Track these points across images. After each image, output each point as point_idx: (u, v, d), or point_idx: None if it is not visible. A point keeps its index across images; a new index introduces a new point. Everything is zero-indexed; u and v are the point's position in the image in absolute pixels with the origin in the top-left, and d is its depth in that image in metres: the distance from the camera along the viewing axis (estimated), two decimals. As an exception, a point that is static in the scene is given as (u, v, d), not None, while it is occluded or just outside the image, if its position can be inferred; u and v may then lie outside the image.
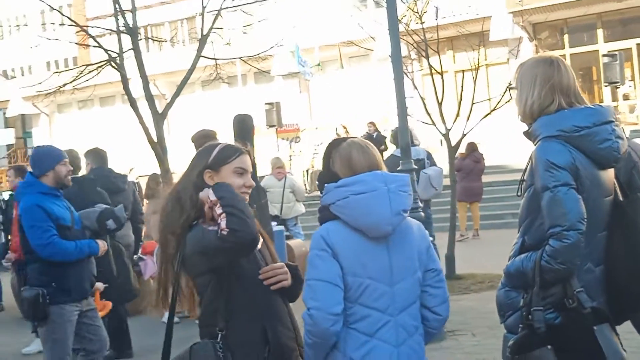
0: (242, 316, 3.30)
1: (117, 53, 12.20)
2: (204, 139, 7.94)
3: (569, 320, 3.31)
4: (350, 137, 3.58)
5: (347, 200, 3.29)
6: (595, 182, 3.39)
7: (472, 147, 16.70)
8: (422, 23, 12.44)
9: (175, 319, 3.59)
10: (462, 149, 15.13)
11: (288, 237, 12.30)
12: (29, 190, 6.06)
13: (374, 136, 20.18)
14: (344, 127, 21.97)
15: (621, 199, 3.55)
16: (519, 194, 3.55)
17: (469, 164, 16.58)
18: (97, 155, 9.11)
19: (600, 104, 3.57)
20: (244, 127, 7.85)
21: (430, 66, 12.18)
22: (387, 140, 18.37)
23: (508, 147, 17.61)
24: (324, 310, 3.23)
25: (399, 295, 3.34)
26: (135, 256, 10.98)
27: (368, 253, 3.31)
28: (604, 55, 21.79)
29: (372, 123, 21.15)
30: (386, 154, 14.54)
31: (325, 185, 3.38)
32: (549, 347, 3.25)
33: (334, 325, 3.24)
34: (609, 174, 3.48)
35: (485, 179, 17.54)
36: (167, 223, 3.40)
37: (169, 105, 12.40)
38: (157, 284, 3.48)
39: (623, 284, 3.44)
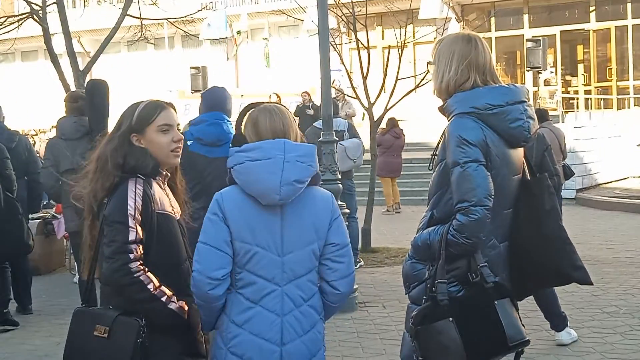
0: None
1: (39, 6, 11.90)
2: (72, 101, 7.76)
3: (471, 294, 3.38)
4: (266, 102, 3.56)
5: (243, 166, 3.29)
6: (505, 160, 3.45)
7: (392, 122, 16.84)
8: (351, -4, 12.45)
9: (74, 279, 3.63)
10: (383, 125, 15.26)
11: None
12: None
13: (310, 105, 20.11)
14: (277, 95, 21.85)
15: (529, 178, 3.63)
16: (430, 168, 3.61)
17: (388, 139, 16.73)
18: None
19: (514, 84, 3.62)
20: (97, 94, 7.30)
21: (358, 40, 12.23)
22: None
23: (430, 125, 17.80)
24: (204, 274, 3.25)
25: (289, 266, 3.33)
26: (48, 214, 10.81)
27: (259, 220, 3.31)
28: (528, 40, 22.14)
29: (306, 92, 21.06)
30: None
31: (230, 149, 3.38)
32: (451, 319, 3.31)
33: (214, 289, 3.26)
34: (519, 153, 3.55)
35: (406, 155, 17.75)
36: (94, 188, 3.35)
37: (91, 63, 12.18)
38: (84, 247, 3.47)
39: (525, 261, 3.53)
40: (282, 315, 3.32)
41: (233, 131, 5.98)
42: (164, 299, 3.27)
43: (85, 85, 7.84)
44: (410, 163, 18.53)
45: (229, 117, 6.21)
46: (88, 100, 7.30)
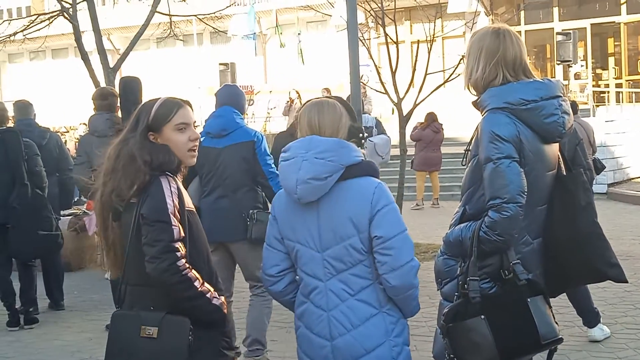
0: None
1: (70, 4, 11.99)
2: (102, 98, 7.78)
3: (503, 291, 3.35)
4: (320, 98, 3.52)
5: (280, 166, 3.42)
6: (539, 156, 3.41)
7: (432, 117, 16.84)
8: (380, -9, 12.40)
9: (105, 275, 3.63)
10: (415, 119, 15.21)
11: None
12: None
13: (329, 102, 20.13)
14: (297, 92, 21.89)
15: (564, 173, 3.58)
16: (464, 163, 3.58)
17: (428, 134, 16.71)
18: (21, 107, 8.98)
19: (549, 78, 3.56)
20: (129, 91, 7.33)
21: (387, 35, 12.17)
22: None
23: (460, 120, 17.70)
24: (264, 272, 3.54)
25: (329, 262, 3.36)
26: (79, 211, 10.89)
27: (298, 218, 3.40)
28: (558, 34, 21.94)
29: (326, 89, 21.08)
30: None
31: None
32: (483, 317, 3.27)
33: (273, 286, 3.53)
34: (553, 149, 3.51)
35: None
36: (118, 187, 3.30)
37: (120, 60, 12.26)
38: (105, 245, 3.45)
39: (559, 258, 3.49)
40: (327, 310, 3.36)
41: (242, 122, 6.24)
42: (208, 295, 3.29)
43: (118, 83, 7.87)
44: (445, 158, 18.40)
45: (241, 112, 6.34)
46: (122, 97, 7.35)
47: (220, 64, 24.39)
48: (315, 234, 3.36)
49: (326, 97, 3.55)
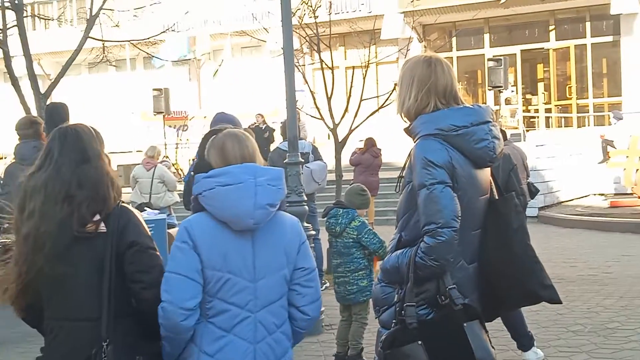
0: None
1: (0, 29, 11.79)
2: (26, 127, 7.64)
3: (440, 317, 3.36)
4: (227, 127, 3.53)
5: (213, 192, 3.24)
6: (472, 180, 3.44)
7: (370, 142, 16.95)
8: (315, 17, 12.48)
9: None
10: (351, 145, 15.30)
11: (170, 226, 12.12)
12: None
13: (263, 128, 20.13)
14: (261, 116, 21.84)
15: (497, 197, 3.63)
16: (397, 190, 3.59)
17: (368, 159, 16.80)
18: None
19: (479, 104, 3.62)
20: (56, 118, 7.23)
21: (322, 61, 12.24)
22: (278, 133, 18.37)
23: (395, 145, 17.87)
24: (175, 304, 3.17)
25: (261, 292, 3.29)
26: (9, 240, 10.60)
27: (231, 247, 3.26)
28: (489, 60, 22.40)
29: (260, 115, 21.12)
30: (273, 146, 14.53)
31: (195, 175, 3.33)
32: (420, 342, 3.28)
33: (186, 319, 3.19)
34: (485, 173, 3.55)
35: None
36: (83, 214, 3.28)
37: (52, 86, 12.07)
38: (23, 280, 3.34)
39: (494, 282, 3.52)
40: (254, 343, 3.28)
41: None
42: None
43: (45, 109, 7.73)
44: (381, 183, 18.52)
45: None
46: (49, 124, 7.19)
47: (154, 89, 24.28)
48: (250, 264, 3.27)
49: (233, 128, 3.55)
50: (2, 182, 7.73)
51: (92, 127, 3.50)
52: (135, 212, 3.36)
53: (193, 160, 24.41)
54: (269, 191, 3.27)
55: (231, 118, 6.67)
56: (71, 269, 3.24)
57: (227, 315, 3.25)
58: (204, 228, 3.26)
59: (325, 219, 6.91)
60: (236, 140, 3.38)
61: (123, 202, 3.35)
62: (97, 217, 3.25)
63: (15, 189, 7.14)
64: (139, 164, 13.60)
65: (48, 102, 11.81)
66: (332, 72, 12.09)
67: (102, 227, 3.25)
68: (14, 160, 7.97)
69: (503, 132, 11.40)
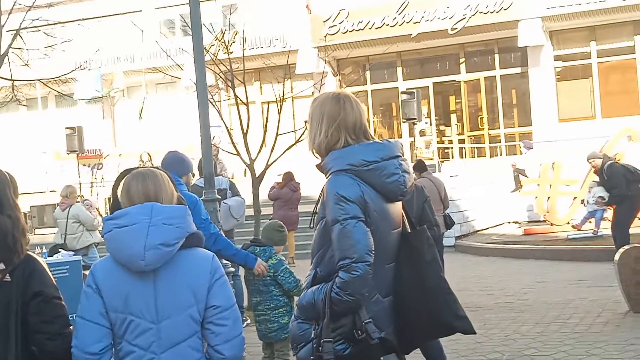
0: None
1: None
2: None
3: (357, 351, 3.36)
4: (142, 167, 3.49)
5: (111, 234, 3.24)
6: (383, 215, 3.47)
7: (289, 176, 16.99)
8: (229, 53, 12.49)
9: None
10: (268, 180, 15.29)
11: (85, 267, 11.87)
12: None
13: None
14: (149, 155, 21.63)
15: (409, 231, 3.67)
16: (312, 226, 3.60)
17: (287, 193, 16.82)
18: None
19: (389, 139, 3.68)
20: None
21: (236, 96, 12.25)
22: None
23: (314, 178, 17.98)
24: (81, 349, 3.21)
25: (165, 333, 3.24)
26: None
27: (132, 288, 3.23)
28: (402, 93, 22.74)
29: (147, 153, 20.99)
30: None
31: (104, 217, 3.32)
32: (338, 378, 3.27)
33: None
34: (397, 207, 3.59)
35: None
36: None
37: (-41, 127, 11.75)
38: None
39: (409, 314, 3.54)
40: None
41: (181, 187, 6.40)
42: None
43: None
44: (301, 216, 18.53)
45: (180, 176, 6.67)
46: None
47: (67, 127, 23.80)
48: (152, 304, 3.24)
49: (150, 167, 3.51)
50: None
51: (7, 173, 3.43)
52: (41, 260, 3.30)
53: (109, 199, 24.06)
54: (163, 230, 3.22)
55: (181, 157, 6.85)
56: None
57: (133, 356, 3.24)
58: (106, 271, 3.26)
59: None
60: (141, 178, 3.35)
61: (29, 250, 3.29)
62: (2, 266, 3.17)
63: None
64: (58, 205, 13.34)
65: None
66: (247, 108, 12.10)
67: (7, 277, 3.18)
68: None
69: (422, 164, 11.70)
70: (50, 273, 3.31)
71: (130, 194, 3.32)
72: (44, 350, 3.20)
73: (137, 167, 3.46)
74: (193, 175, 7.13)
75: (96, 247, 13.49)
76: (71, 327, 3.27)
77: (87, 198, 15.95)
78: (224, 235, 8.70)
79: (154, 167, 3.50)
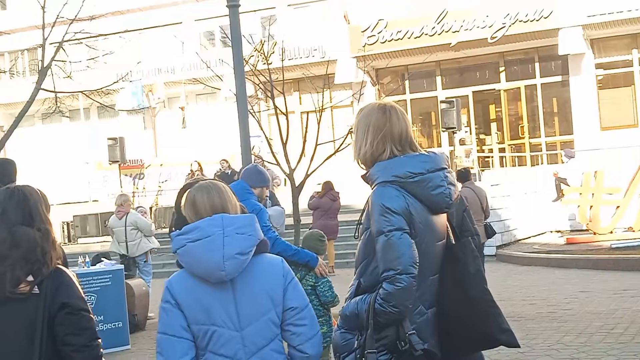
0: None
1: (-50, 82, 11.67)
2: None
3: (401, 363, 3.36)
4: (202, 179, 3.52)
5: (185, 249, 3.27)
6: (428, 226, 3.47)
7: (328, 185, 17.01)
8: (268, 64, 12.56)
9: None
10: (308, 189, 15.32)
11: (128, 276, 12.03)
12: None
13: (228, 173, 20.05)
14: (198, 164, 21.77)
15: (453, 242, 3.66)
16: (356, 236, 3.61)
17: (326, 202, 16.85)
18: None
19: (434, 151, 3.67)
20: (4, 173, 7.18)
21: (276, 107, 12.30)
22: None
23: (354, 187, 17.98)
24: None
25: (249, 339, 3.30)
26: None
27: (211, 299, 3.28)
28: (441, 102, 22.65)
29: (225, 160, 21.06)
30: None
31: (172, 233, 3.35)
32: (382, 389, 3.27)
33: None
34: (442, 219, 3.58)
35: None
36: (17, 276, 3.30)
37: (4, 138, 11.95)
38: None
39: (453, 326, 3.53)
40: None
41: (249, 197, 6.80)
42: None
43: None
44: (341, 226, 18.53)
45: (252, 186, 7.06)
46: None
47: (109, 138, 24.11)
48: (233, 313, 3.29)
49: (210, 179, 3.54)
50: None
51: (39, 190, 3.51)
52: (69, 273, 3.37)
53: (150, 208, 24.21)
54: (237, 240, 3.28)
55: (259, 170, 7.26)
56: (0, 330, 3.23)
57: None
58: (183, 285, 3.29)
59: None
60: (205, 192, 3.39)
61: (59, 263, 3.36)
62: (31, 278, 3.23)
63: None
64: (113, 215, 13.53)
65: (1, 153, 11.69)
66: (287, 118, 12.14)
67: (35, 289, 3.24)
68: None
69: (466, 173, 11.63)
70: (79, 286, 3.37)
71: (196, 207, 3.36)
72: None
73: (198, 181, 3.50)
74: (267, 189, 7.42)
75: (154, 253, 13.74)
76: (99, 340, 3.32)
77: (140, 205, 16.13)
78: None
79: (214, 180, 3.54)
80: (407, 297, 3.33)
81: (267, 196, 7.48)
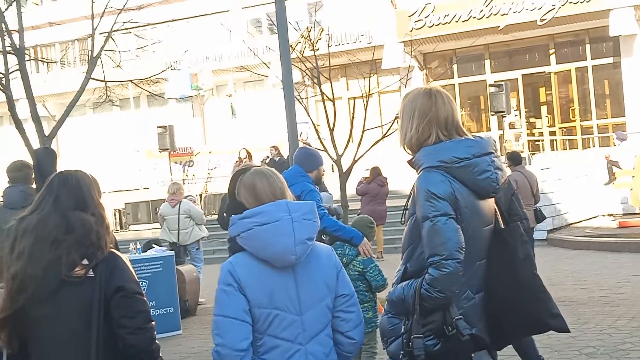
0: None
1: (2, 74, 11.86)
2: (16, 170, 7.67)
3: (448, 348, 3.35)
4: (253, 165, 3.57)
5: (252, 232, 3.28)
6: (475, 211, 3.45)
7: (376, 171, 17.00)
8: (315, 50, 12.57)
9: None
10: (355, 175, 15.32)
11: (179, 263, 12.16)
12: None
13: (277, 160, 20.11)
14: (247, 151, 21.90)
15: (502, 227, 3.63)
16: (402, 222, 3.60)
17: (374, 188, 16.84)
18: None
19: (481, 135, 3.64)
20: (44, 163, 7.26)
21: (322, 93, 12.31)
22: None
23: (402, 173, 17.95)
24: (229, 347, 3.23)
25: (308, 324, 3.34)
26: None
27: (275, 283, 3.31)
28: (490, 85, 22.45)
29: (275, 147, 21.11)
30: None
31: (231, 217, 3.36)
32: (429, 374, 3.27)
33: None
34: (489, 204, 3.55)
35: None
36: (72, 258, 3.38)
37: (56, 127, 12.14)
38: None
39: (501, 311, 3.51)
40: None
41: (302, 179, 6.89)
42: None
43: (34, 154, 7.75)
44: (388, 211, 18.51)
45: (306, 170, 7.12)
46: (36, 169, 7.20)
47: (158, 126, 24.39)
48: (295, 297, 3.33)
49: (261, 166, 3.58)
50: None
51: (90, 175, 3.57)
52: (123, 257, 3.43)
53: (200, 195, 24.40)
54: (305, 226, 3.33)
55: (310, 152, 7.30)
56: (54, 313, 3.30)
57: (279, 350, 3.31)
58: (247, 268, 3.30)
59: None
60: (265, 177, 3.43)
61: (112, 248, 3.42)
62: (86, 262, 3.28)
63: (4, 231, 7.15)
64: (164, 202, 13.67)
65: (54, 142, 11.88)
66: (334, 104, 12.15)
67: (90, 273, 3.30)
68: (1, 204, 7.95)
69: (518, 156, 11.54)
70: (132, 269, 3.43)
71: (256, 192, 3.39)
72: (127, 344, 3.32)
73: (249, 167, 3.53)
74: (323, 169, 7.46)
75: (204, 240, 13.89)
76: (153, 323, 3.38)
77: (190, 194, 16.28)
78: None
79: (269, 168, 3.58)
80: (453, 283, 3.32)
81: (323, 174, 7.53)
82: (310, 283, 3.37)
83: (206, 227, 13.90)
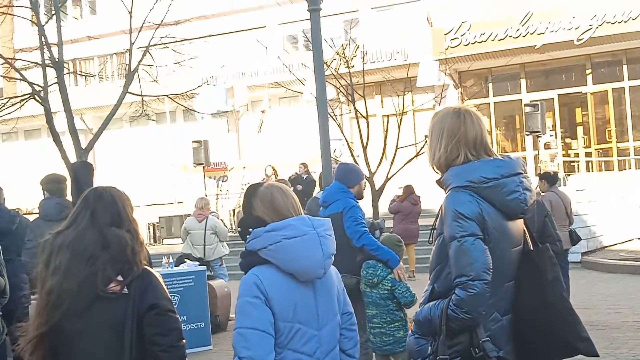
0: None
1: (41, 87, 12.03)
2: (53, 183, 7.75)
3: (475, 369, 3.33)
4: (268, 182, 3.60)
5: (280, 245, 3.28)
6: (503, 232, 3.43)
7: (409, 189, 16.94)
8: (349, 67, 12.61)
9: None
10: (388, 193, 15.30)
11: (210, 278, 12.20)
12: None
13: (304, 178, 20.12)
14: (273, 168, 21.95)
15: (531, 248, 3.60)
16: (430, 241, 3.59)
17: (407, 206, 16.78)
18: None
19: (510, 156, 3.62)
20: (81, 176, 7.31)
21: (356, 110, 12.34)
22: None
23: (435, 192, 17.89)
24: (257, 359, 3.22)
25: (325, 339, 3.37)
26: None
27: (298, 297, 3.32)
28: (526, 105, 22.30)
29: (303, 164, 21.13)
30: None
31: (253, 230, 3.35)
32: (455, 395, 3.25)
33: None
34: (518, 224, 3.53)
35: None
36: (107, 275, 3.41)
37: (93, 140, 12.27)
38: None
39: (529, 333, 3.48)
40: None
41: (343, 196, 7.13)
42: None
43: (71, 167, 7.83)
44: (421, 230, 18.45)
45: (348, 186, 7.31)
46: (73, 182, 7.27)
47: (194, 141, 24.52)
48: (314, 312, 3.35)
49: (261, 182, 3.61)
50: (27, 237, 7.76)
51: (124, 192, 3.60)
52: (157, 274, 3.45)
53: (234, 210, 24.47)
54: (329, 241, 3.38)
55: (350, 168, 7.51)
56: (87, 328, 3.32)
57: None
58: (273, 281, 3.30)
59: (362, 268, 6.96)
60: (281, 192, 3.47)
61: (146, 265, 3.44)
62: (121, 278, 3.31)
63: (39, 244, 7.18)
64: (190, 216, 13.72)
65: (90, 155, 12.01)
66: (367, 121, 12.18)
67: (125, 289, 3.33)
68: (37, 217, 8.02)
69: (555, 176, 11.43)
70: (165, 286, 3.45)
71: (276, 205, 3.41)
72: None
73: (261, 183, 3.56)
74: (364, 183, 7.60)
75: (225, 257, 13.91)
76: (184, 340, 3.40)
77: (213, 211, 16.33)
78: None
79: (275, 182, 3.60)
80: (480, 304, 3.29)
81: (364, 189, 7.62)
82: (327, 298, 3.40)
83: (228, 244, 13.95)
